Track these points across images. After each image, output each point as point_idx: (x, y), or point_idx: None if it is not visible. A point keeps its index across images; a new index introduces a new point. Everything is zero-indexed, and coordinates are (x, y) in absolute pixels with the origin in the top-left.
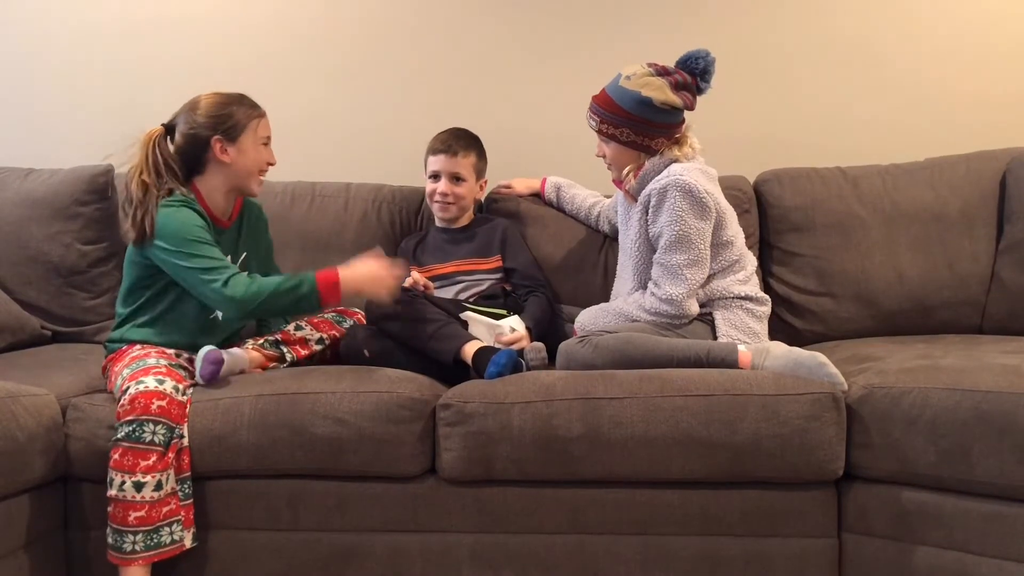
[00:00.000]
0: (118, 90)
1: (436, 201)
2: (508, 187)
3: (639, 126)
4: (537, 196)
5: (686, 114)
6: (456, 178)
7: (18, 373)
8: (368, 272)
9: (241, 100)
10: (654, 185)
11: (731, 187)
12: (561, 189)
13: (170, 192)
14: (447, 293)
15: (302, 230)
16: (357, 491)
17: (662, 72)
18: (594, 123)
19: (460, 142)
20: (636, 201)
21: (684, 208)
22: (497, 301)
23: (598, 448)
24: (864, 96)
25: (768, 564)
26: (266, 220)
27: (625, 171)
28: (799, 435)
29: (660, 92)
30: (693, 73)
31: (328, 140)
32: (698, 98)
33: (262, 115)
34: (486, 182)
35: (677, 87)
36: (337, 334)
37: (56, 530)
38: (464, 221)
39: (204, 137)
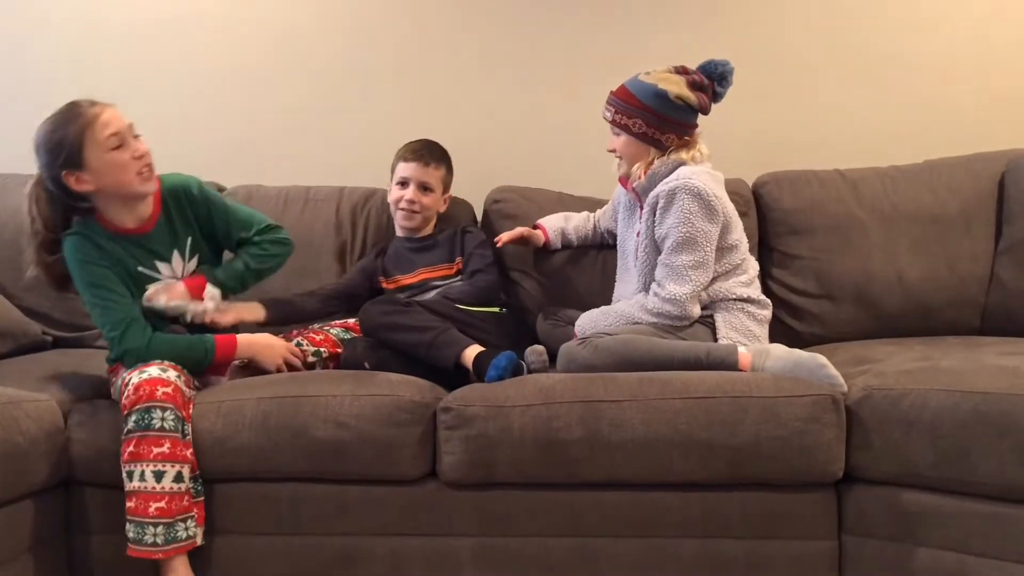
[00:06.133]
0: (119, 96)
1: (401, 208)
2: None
3: (652, 118)
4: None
5: (701, 120)
6: (425, 187)
7: (20, 378)
8: (265, 342)
9: (67, 116)
10: (662, 187)
11: (730, 190)
12: (565, 231)
13: (65, 226)
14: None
15: (295, 233)
16: (358, 494)
17: (681, 71)
18: (609, 114)
19: (433, 153)
20: (642, 201)
21: (693, 210)
22: (490, 303)
23: (598, 451)
24: (863, 98)
25: (768, 566)
26: (196, 190)
27: (635, 167)
28: (799, 437)
29: (676, 87)
30: (711, 77)
31: (324, 144)
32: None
33: (96, 116)
34: (449, 197)
35: (694, 86)
36: (337, 351)
37: (58, 535)
38: (427, 231)
39: (56, 177)
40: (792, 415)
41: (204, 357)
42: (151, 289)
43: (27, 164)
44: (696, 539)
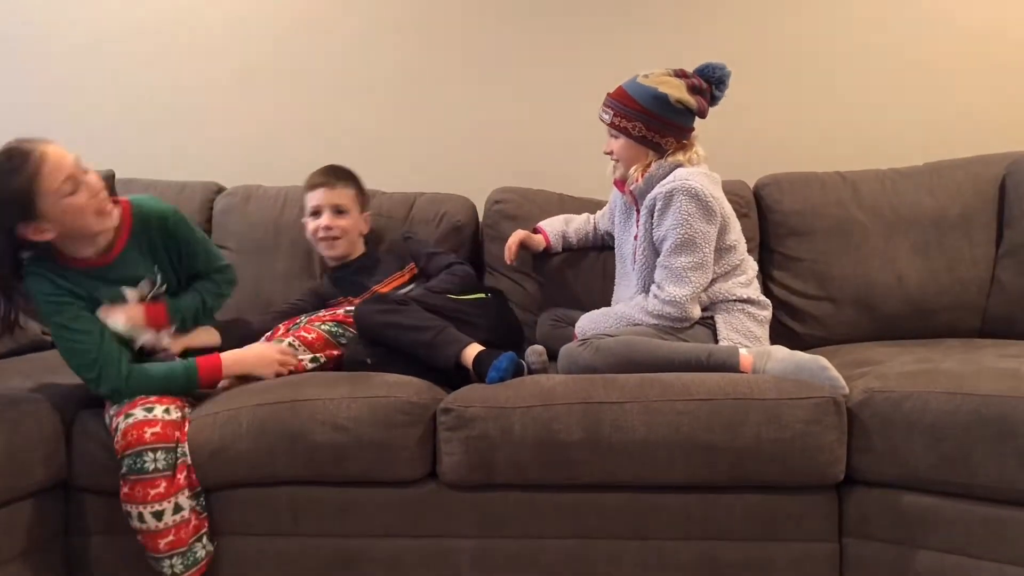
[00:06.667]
0: (119, 96)
1: (321, 238)
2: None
3: (652, 121)
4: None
5: (698, 123)
6: (338, 210)
7: (18, 379)
8: (255, 354)
9: (11, 165)
10: (660, 189)
11: (730, 192)
12: (566, 234)
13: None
14: None
15: (292, 236)
16: (357, 496)
17: (680, 74)
18: (607, 116)
19: (338, 174)
20: (638, 204)
21: (691, 212)
22: (473, 290)
23: (599, 452)
24: (864, 100)
25: (769, 568)
26: (171, 223)
27: (632, 169)
28: (800, 439)
29: (677, 90)
30: (709, 80)
31: (324, 145)
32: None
33: (42, 161)
34: (369, 216)
35: (693, 90)
36: (334, 352)
37: (57, 536)
38: (359, 252)
39: (9, 230)
40: (793, 417)
41: (186, 386)
42: (108, 307)
43: None
44: (697, 541)
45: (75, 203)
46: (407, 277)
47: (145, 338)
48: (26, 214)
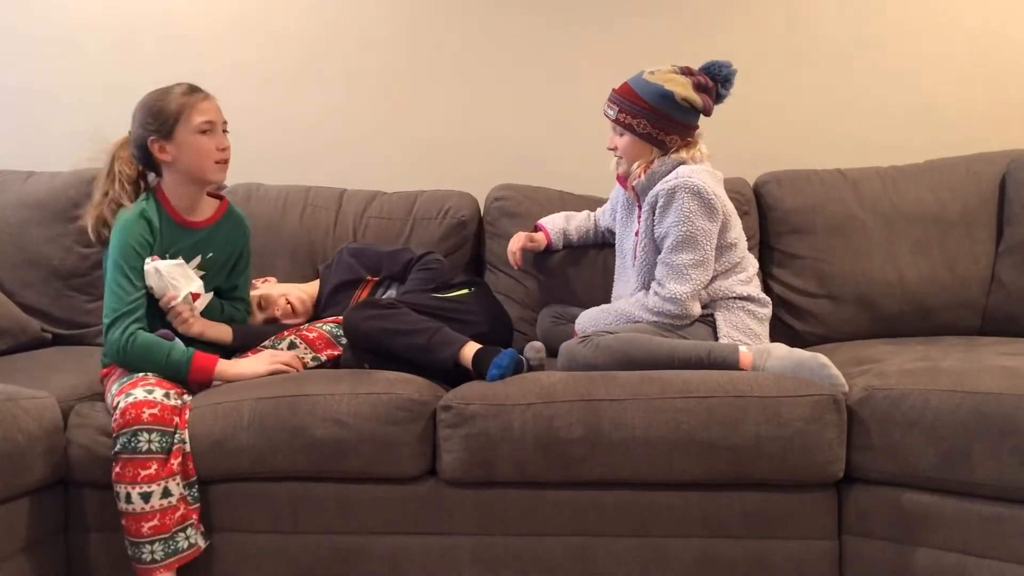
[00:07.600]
0: (119, 93)
1: (294, 325)
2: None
3: (657, 119)
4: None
5: (701, 121)
6: (259, 307)
7: (19, 376)
8: (250, 374)
9: (171, 90)
10: (662, 186)
11: (730, 189)
12: (567, 231)
13: (135, 192)
14: None
15: (293, 240)
16: (357, 493)
17: (686, 72)
18: (612, 112)
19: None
20: (640, 200)
21: (693, 209)
22: (456, 286)
23: (599, 450)
24: (864, 98)
25: (768, 566)
26: (247, 232)
27: (635, 166)
28: (800, 437)
29: (683, 88)
30: (715, 79)
31: (325, 144)
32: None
33: (197, 100)
34: (266, 280)
35: (698, 88)
36: (335, 352)
37: (57, 533)
38: (314, 294)
39: (143, 140)
40: (793, 415)
41: (176, 373)
42: (156, 257)
43: (27, 162)
44: (696, 539)
45: (202, 143)
46: (368, 291)
47: (184, 296)
48: (163, 132)
